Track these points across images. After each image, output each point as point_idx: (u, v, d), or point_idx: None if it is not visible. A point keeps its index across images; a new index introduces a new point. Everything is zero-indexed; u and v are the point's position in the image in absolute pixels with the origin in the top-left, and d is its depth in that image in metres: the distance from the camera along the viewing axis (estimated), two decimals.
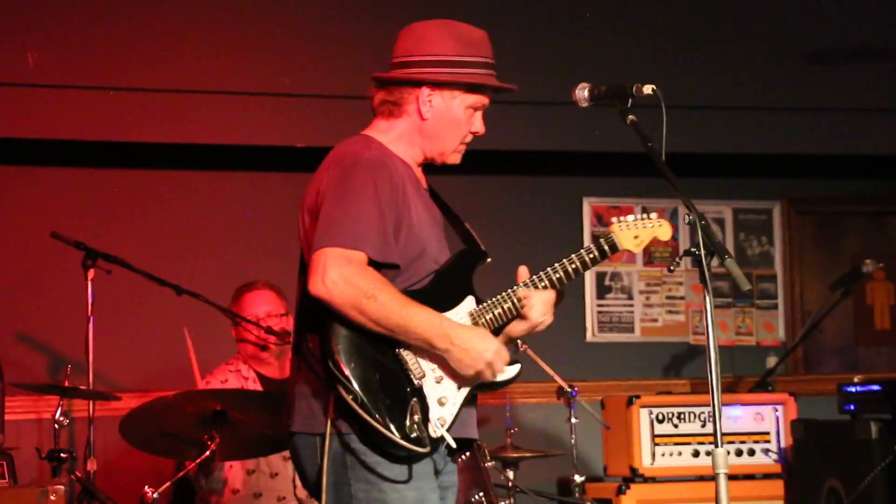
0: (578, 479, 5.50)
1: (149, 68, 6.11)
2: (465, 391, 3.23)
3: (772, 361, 6.80)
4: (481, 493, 5.13)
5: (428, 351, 3.18)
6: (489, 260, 3.38)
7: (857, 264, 6.48)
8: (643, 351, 6.97)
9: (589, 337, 6.89)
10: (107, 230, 6.01)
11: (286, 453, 4.84)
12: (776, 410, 6.05)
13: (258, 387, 5.14)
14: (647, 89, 3.20)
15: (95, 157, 6.24)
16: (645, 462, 5.86)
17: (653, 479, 5.84)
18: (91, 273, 5.21)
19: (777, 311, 7.23)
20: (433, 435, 3.14)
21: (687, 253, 3.15)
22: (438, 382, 3.20)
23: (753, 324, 7.20)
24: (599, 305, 6.95)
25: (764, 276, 7.26)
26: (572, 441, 5.52)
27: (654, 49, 6.70)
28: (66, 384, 4.95)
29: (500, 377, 3.27)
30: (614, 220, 3.40)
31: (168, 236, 6.29)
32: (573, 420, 5.52)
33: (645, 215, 3.40)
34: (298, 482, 5.02)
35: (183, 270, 5.81)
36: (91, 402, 5.30)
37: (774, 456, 6.00)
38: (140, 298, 5.93)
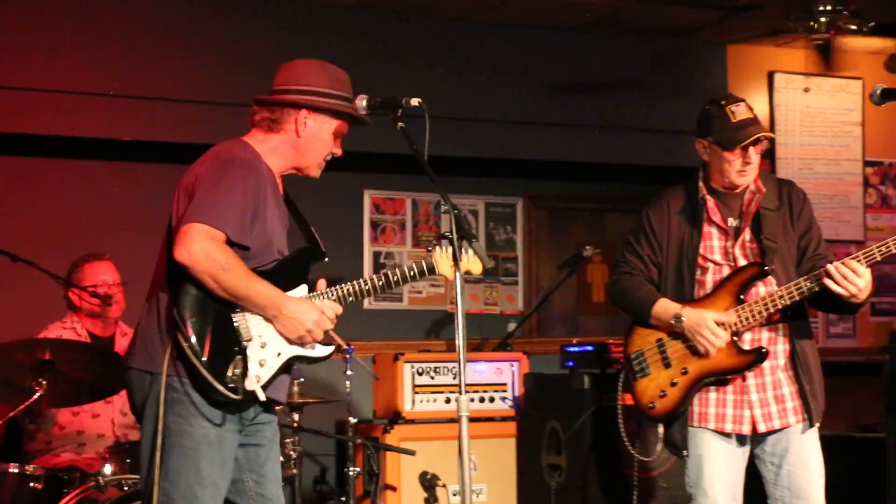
0: (352, 420, 5.53)
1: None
2: (283, 359, 3.28)
3: (511, 327, 6.91)
4: None
5: (261, 320, 3.23)
6: (326, 260, 3.43)
7: (580, 250, 6.57)
8: (410, 317, 7.00)
9: (366, 305, 6.88)
10: None
11: (108, 399, 4.76)
12: (513, 366, 6.14)
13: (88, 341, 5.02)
14: (414, 102, 3.25)
15: None
16: (407, 407, 5.92)
17: (413, 421, 5.90)
18: None
19: (517, 286, 7.32)
20: (248, 388, 3.19)
21: (442, 237, 3.24)
22: (262, 347, 3.23)
23: (498, 296, 7.28)
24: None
25: (508, 257, 7.34)
26: (348, 390, 5.56)
27: (424, 67, 6.76)
28: None
29: (315, 353, 3.34)
30: (437, 248, 3.49)
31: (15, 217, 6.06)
32: (349, 372, 5.55)
33: (464, 251, 3.43)
34: (117, 421, 4.95)
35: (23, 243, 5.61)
36: None
37: (510, 402, 6.09)
38: None
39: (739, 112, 3.85)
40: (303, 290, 3.34)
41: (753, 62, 7.57)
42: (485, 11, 6.75)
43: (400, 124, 3.28)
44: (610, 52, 7.21)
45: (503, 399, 6.11)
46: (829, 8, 6.01)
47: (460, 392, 3.10)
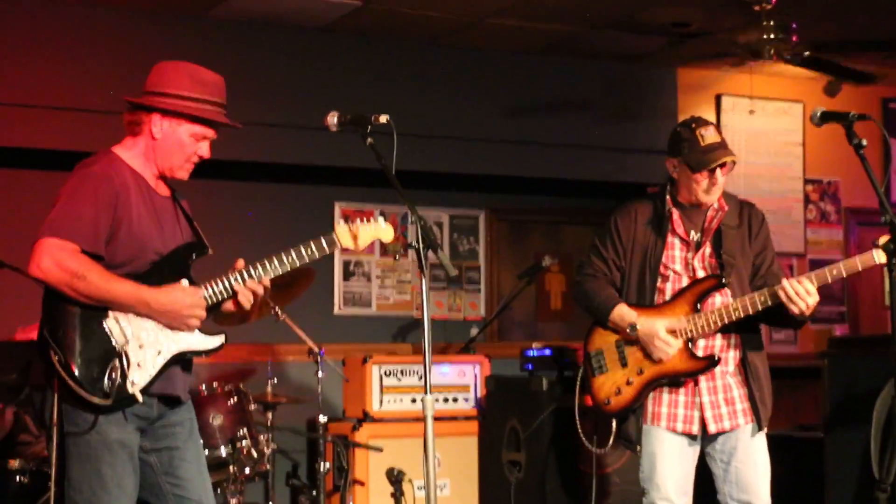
0: (323, 419, 5.51)
1: None
2: (165, 357, 3.16)
3: (474, 332, 6.89)
4: (244, 430, 5.09)
5: (139, 321, 3.13)
6: (210, 252, 3.31)
7: (539, 260, 6.56)
8: (378, 322, 6.97)
9: (336, 310, 6.86)
10: None
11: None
12: (475, 368, 6.15)
13: None
14: (383, 119, 3.20)
15: None
16: (375, 407, 5.90)
17: (380, 420, 5.89)
18: None
19: (480, 294, 7.31)
20: (129, 391, 3.08)
21: (409, 246, 3.20)
22: (140, 348, 3.13)
23: (462, 303, 7.27)
24: (345, 285, 6.93)
25: (471, 266, 7.33)
26: (319, 390, 5.54)
27: (393, 87, 6.76)
28: None
29: (204, 345, 3.23)
30: (341, 222, 3.39)
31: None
32: (320, 374, 5.52)
33: (372, 220, 3.37)
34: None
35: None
36: None
37: (472, 403, 6.09)
38: None
39: (708, 135, 3.88)
40: (182, 283, 3.22)
41: (702, 85, 7.62)
42: (450, 35, 6.75)
43: (369, 140, 3.23)
44: (567, 75, 7.22)
45: (466, 400, 6.11)
46: (773, 37, 6.05)
47: (426, 392, 3.08)
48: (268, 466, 5.19)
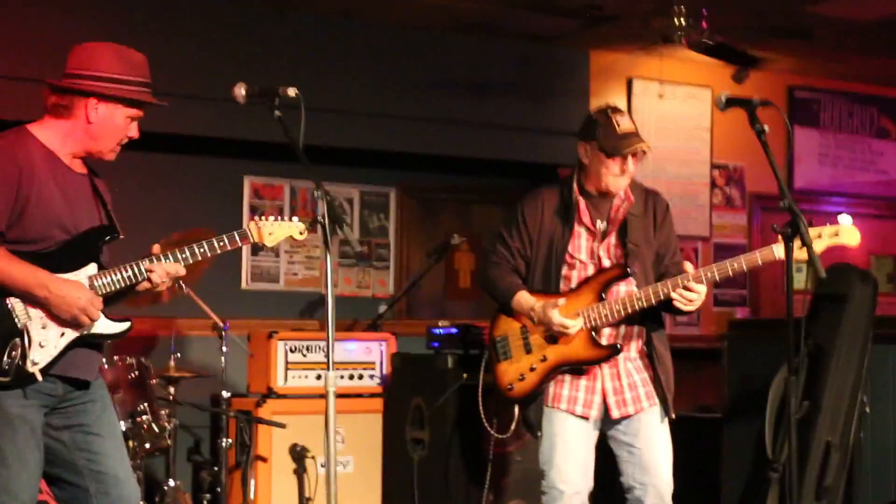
0: (226, 394, 5.45)
1: None
2: (67, 338, 3.14)
3: (382, 309, 6.85)
4: (145, 405, 5.02)
5: (39, 302, 3.08)
6: (121, 236, 3.29)
7: (448, 238, 6.52)
8: (286, 297, 6.92)
9: (243, 285, 6.80)
10: None
11: None
12: (381, 346, 6.10)
13: None
14: (291, 92, 3.18)
15: None
16: (279, 382, 5.84)
17: (285, 396, 5.82)
18: None
19: (389, 271, 7.31)
20: (29, 370, 3.06)
21: (315, 222, 3.20)
22: (43, 328, 3.10)
23: (371, 280, 7.26)
24: (253, 260, 6.86)
25: (381, 244, 7.31)
26: (223, 366, 5.48)
27: (304, 61, 6.68)
28: None
29: (109, 330, 3.21)
30: (256, 218, 3.42)
31: None
32: (224, 349, 5.47)
33: (287, 218, 3.42)
34: None
35: None
36: None
37: (377, 380, 6.06)
38: None
39: (624, 123, 3.89)
40: (91, 268, 3.20)
41: (614, 68, 7.68)
42: (364, 9, 6.69)
43: (277, 113, 3.19)
44: (480, 54, 7.21)
45: (371, 377, 6.07)
46: (684, 23, 6.13)
47: (328, 369, 3.07)
48: (169, 442, 5.12)
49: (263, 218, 3.40)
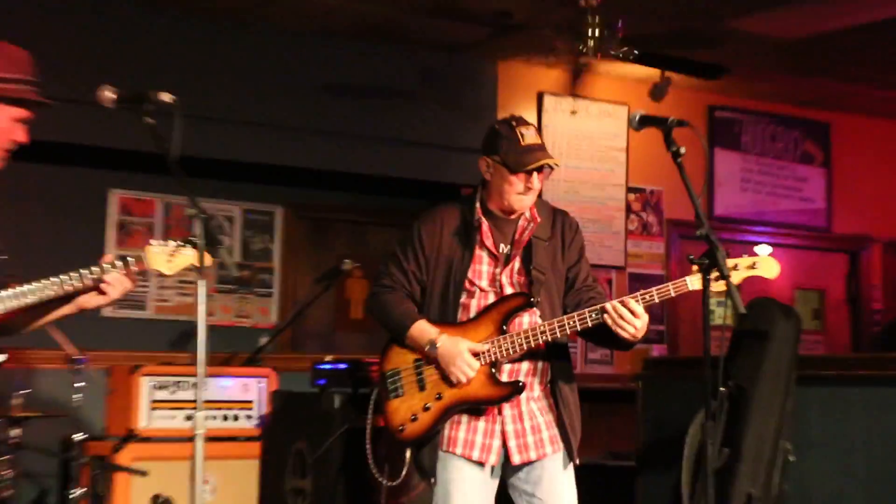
0: (77, 437, 5.30)
1: None
2: None
3: (263, 341, 6.77)
4: None
5: None
6: (5, 258, 3.22)
7: (340, 263, 6.49)
8: (154, 327, 6.82)
9: (105, 312, 6.62)
10: None
11: None
12: (260, 382, 6.04)
13: None
14: (166, 97, 3.13)
15: None
16: (142, 423, 5.72)
17: (148, 439, 5.71)
18: None
19: (272, 299, 7.26)
20: None
21: (187, 242, 3.18)
22: None
23: (251, 308, 7.21)
24: None
25: (264, 268, 7.27)
26: (77, 404, 5.31)
27: (183, 63, 6.60)
28: None
29: None
30: (153, 241, 3.34)
31: None
32: (79, 385, 5.32)
33: (186, 245, 3.33)
34: None
35: None
36: None
37: (255, 422, 5.99)
38: None
39: (529, 136, 3.88)
40: None
41: (523, 81, 7.74)
42: (251, 10, 6.63)
43: (148, 120, 3.14)
44: (379, 62, 7.21)
45: (248, 417, 6.01)
46: (597, 32, 6.20)
47: (197, 409, 3.05)
48: (9, 493, 4.95)
49: (161, 242, 3.33)
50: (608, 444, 6.17)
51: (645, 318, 3.73)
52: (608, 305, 3.70)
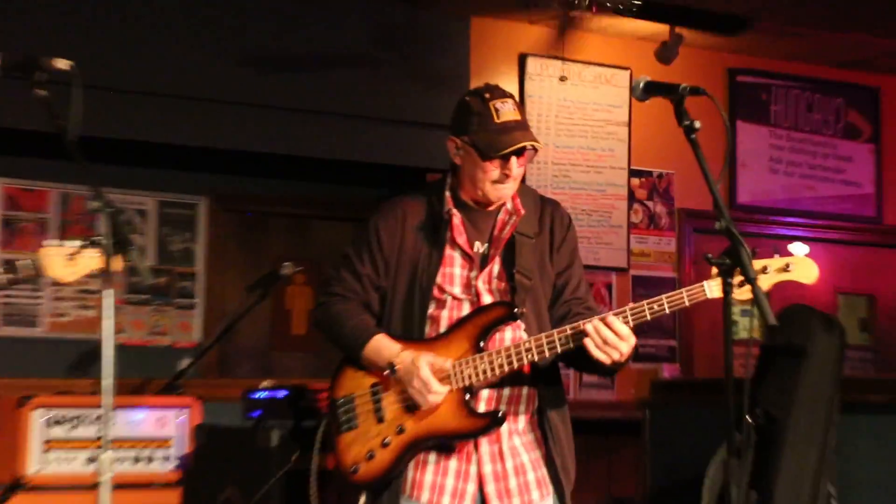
0: None
1: None
2: None
3: (184, 363, 6.74)
4: None
5: None
6: None
7: (278, 266, 6.43)
8: (48, 347, 6.88)
9: None
10: None
11: None
12: (180, 415, 5.99)
13: None
14: (62, 64, 3.17)
15: None
16: (32, 469, 5.66)
17: (40, 488, 5.66)
18: None
19: (195, 311, 7.32)
20: None
21: (90, 242, 3.23)
22: None
23: (169, 323, 7.26)
24: (5, 296, 6.77)
25: (185, 273, 7.32)
26: None
27: (83, 25, 6.60)
28: None
29: None
30: (47, 242, 3.37)
31: None
32: None
33: (88, 246, 3.35)
34: None
35: None
36: None
37: (174, 463, 5.97)
38: None
39: (506, 111, 3.88)
40: None
41: (502, 41, 7.77)
42: None
43: (41, 92, 3.19)
44: (326, 20, 7.24)
45: (166, 458, 5.99)
46: None
47: (102, 448, 3.11)
48: None
49: (61, 242, 3.38)
50: (608, 487, 6.22)
51: (632, 340, 3.75)
52: (588, 326, 3.72)
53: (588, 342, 3.73)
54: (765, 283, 3.66)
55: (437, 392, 3.83)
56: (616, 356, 3.75)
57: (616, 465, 6.13)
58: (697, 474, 4.90)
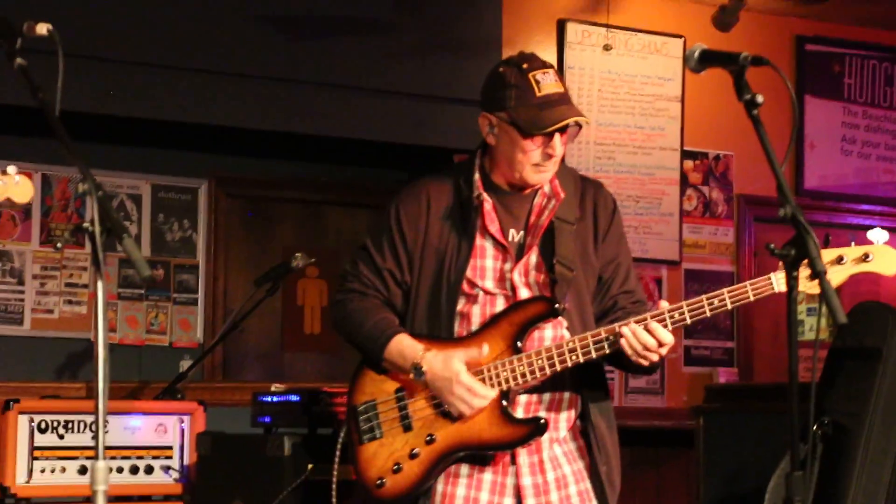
0: None
1: None
2: None
3: (185, 365, 6.82)
4: None
5: None
6: None
7: (288, 258, 6.47)
8: (33, 347, 6.92)
9: None
10: None
11: None
12: (182, 422, 6.09)
13: None
14: (42, 29, 3.15)
15: None
16: (20, 480, 5.74)
17: (28, 500, 5.75)
18: None
19: (197, 308, 7.35)
20: None
21: (78, 230, 3.20)
22: None
23: (168, 321, 7.27)
24: None
25: (184, 265, 7.34)
26: None
27: None
28: None
29: None
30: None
31: None
32: None
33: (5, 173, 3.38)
34: None
35: None
36: None
37: (175, 474, 6.03)
38: None
39: (547, 83, 3.86)
40: None
41: (538, 5, 7.78)
42: None
43: (19, 61, 3.16)
44: None
45: (166, 469, 6.04)
46: None
47: (97, 456, 3.00)
48: None
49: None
50: (657, 500, 6.22)
51: (670, 341, 3.77)
52: (625, 329, 3.74)
53: (624, 344, 3.74)
54: (840, 274, 3.67)
55: (485, 396, 3.83)
56: (655, 358, 3.79)
57: (666, 479, 6.15)
58: (756, 489, 4.91)
